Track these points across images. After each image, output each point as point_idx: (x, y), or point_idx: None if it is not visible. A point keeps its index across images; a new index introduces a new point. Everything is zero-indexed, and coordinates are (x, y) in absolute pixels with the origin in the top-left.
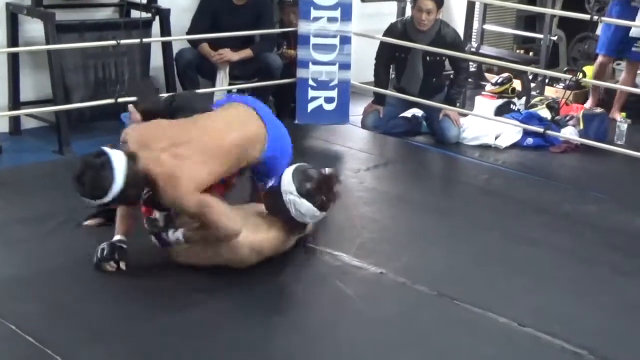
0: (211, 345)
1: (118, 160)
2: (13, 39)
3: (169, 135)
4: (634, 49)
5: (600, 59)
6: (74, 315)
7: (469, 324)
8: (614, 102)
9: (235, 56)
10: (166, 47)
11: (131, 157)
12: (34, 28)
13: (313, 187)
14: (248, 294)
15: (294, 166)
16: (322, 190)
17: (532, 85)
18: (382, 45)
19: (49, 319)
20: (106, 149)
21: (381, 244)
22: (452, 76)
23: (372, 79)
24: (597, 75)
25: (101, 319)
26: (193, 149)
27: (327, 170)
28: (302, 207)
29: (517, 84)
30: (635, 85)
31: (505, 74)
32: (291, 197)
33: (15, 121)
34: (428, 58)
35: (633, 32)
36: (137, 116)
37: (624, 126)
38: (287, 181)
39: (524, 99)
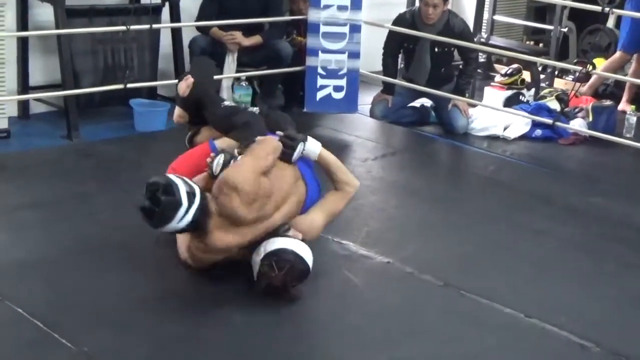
0: (217, 333)
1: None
2: (23, 23)
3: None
4: None
5: (618, 54)
6: (81, 300)
7: (475, 314)
8: (623, 94)
9: (245, 41)
10: (176, 33)
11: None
12: (44, 12)
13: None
14: (254, 282)
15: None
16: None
17: (542, 76)
18: (390, 35)
19: (56, 304)
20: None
21: (388, 233)
22: (461, 67)
23: (381, 68)
24: (609, 69)
25: (108, 303)
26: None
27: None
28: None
29: (526, 76)
30: None
31: (515, 65)
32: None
33: (24, 105)
34: (436, 49)
35: None
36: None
37: (633, 119)
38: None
39: (533, 90)
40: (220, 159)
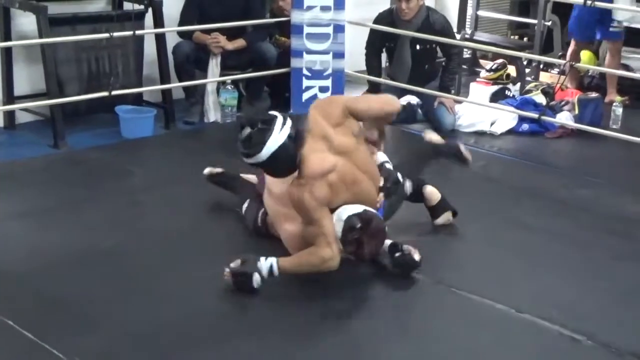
0: (211, 341)
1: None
2: (6, 33)
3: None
4: (611, 29)
5: (573, 45)
6: (71, 309)
7: (466, 311)
8: (607, 86)
9: (229, 45)
10: (159, 39)
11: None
12: (26, 22)
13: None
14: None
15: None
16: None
17: (527, 70)
18: (371, 34)
19: (46, 314)
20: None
21: None
22: (443, 63)
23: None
24: (572, 61)
25: (98, 312)
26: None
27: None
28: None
29: (511, 70)
30: (626, 67)
31: (500, 60)
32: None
33: (9, 115)
34: (417, 46)
35: (617, 15)
36: None
37: (619, 110)
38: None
39: (518, 84)
40: None
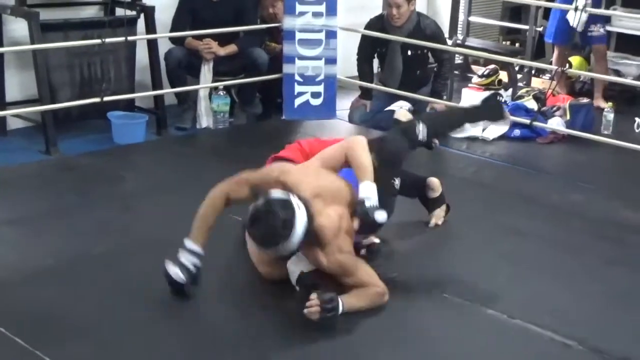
0: (206, 341)
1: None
2: None
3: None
4: (589, 34)
5: (556, 51)
6: (64, 316)
7: (458, 316)
8: (594, 91)
9: (221, 50)
10: (152, 44)
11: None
12: (18, 27)
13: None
14: (224, 291)
15: None
16: None
17: (519, 76)
18: (363, 40)
19: (39, 321)
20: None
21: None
22: (435, 69)
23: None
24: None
25: (91, 319)
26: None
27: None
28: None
29: (503, 76)
30: (617, 73)
31: (492, 66)
32: None
33: (1, 121)
34: (408, 52)
35: (570, 19)
36: None
37: (611, 116)
38: None
39: (510, 90)
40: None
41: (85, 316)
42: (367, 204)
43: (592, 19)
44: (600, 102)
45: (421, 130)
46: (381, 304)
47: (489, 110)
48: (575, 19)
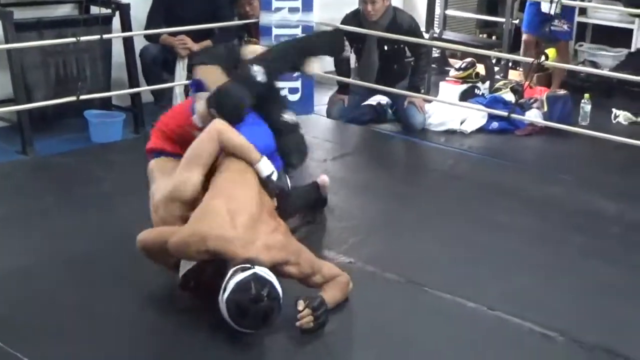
0: (182, 341)
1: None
2: None
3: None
4: (553, 27)
5: (524, 37)
6: (40, 317)
7: (439, 310)
8: (552, 80)
9: (196, 46)
10: (127, 42)
11: None
12: None
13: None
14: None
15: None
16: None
17: (496, 69)
18: None
19: (14, 320)
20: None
21: (349, 234)
22: (412, 63)
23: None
24: (525, 55)
25: (67, 319)
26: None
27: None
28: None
29: (480, 69)
30: (594, 64)
31: (469, 59)
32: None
33: None
34: (385, 47)
35: (544, 7)
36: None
37: (588, 107)
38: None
39: (487, 83)
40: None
41: (63, 317)
42: (274, 177)
43: (562, 14)
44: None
45: (257, 71)
46: (349, 292)
47: (328, 44)
48: (552, 8)
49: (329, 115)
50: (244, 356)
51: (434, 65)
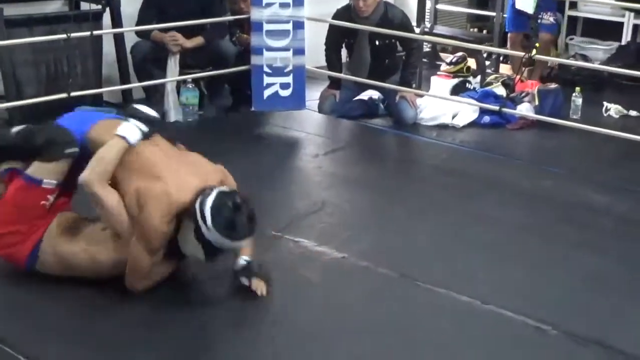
0: (173, 334)
1: None
2: None
3: None
4: (539, 21)
5: (509, 35)
6: (35, 314)
7: (432, 304)
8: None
9: (187, 43)
10: (118, 39)
11: None
12: None
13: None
14: (210, 285)
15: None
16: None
17: (487, 63)
18: (330, 30)
19: (10, 319)
20: None
21: (342, 228)
22: (404, 58)
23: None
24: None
25: (59, 314)
26: None
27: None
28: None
29: (472, 63)
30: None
31: (460, 53)
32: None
33: None
34: (377, 42)
35: (518, 4)
36: None
37: (579, 101)
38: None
39: (479, 77)
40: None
41: (55, 312)
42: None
43: (545, 7)
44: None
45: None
46: None
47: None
48: (526, 3)
49: (320, 110)
50: (252, 349)
51: (425, 60)
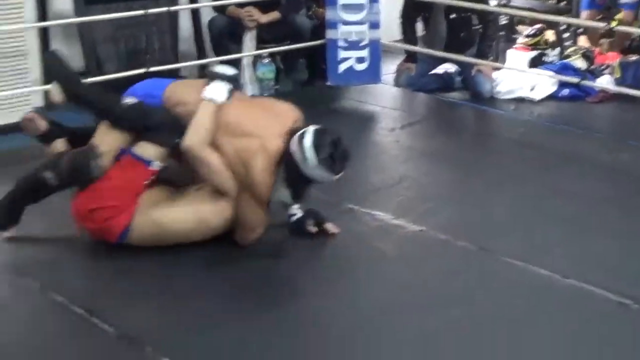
0: (248, 306)
1: None
2: (42, 13)
3: None
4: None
5: (584, 14)
6: (120, 284)
7: (510, 278)
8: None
9: (263, 18)
10: (195, 14)
11: None
12: (62, 1)
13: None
14: (286, 257)
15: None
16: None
17: (566, 35)
18: (406, 4)
19: (96, 289)
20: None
21: (420, 201)
22: (480, 30)
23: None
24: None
25: (146, 286)
26: None
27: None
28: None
29: (550, 35)
30: None
31: (538, 25)
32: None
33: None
34: (453, 15)
35: None
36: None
37: None
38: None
39: (557, 49)
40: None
41: (142, 284)
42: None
43: None
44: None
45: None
46: None
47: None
48: None
49: (396, 84)
50: (318, 322)
51: (502, 33)
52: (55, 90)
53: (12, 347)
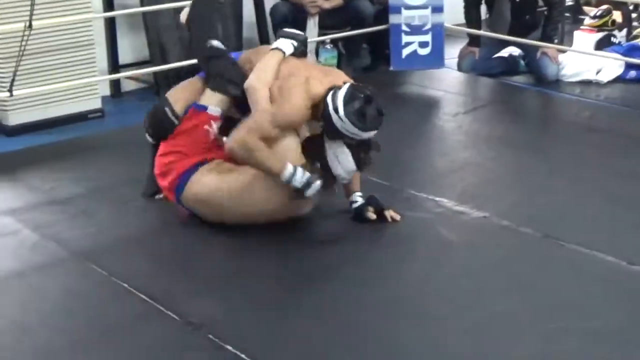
0: (314, 295)
1: None
2: (109, 3)
3: None
4: None
5: None
6: (184, 271)
7: (576, 265)
8: None
9: (326, 4)
10: (258, 1)
11: None
12: None
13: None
14: (349, 245)
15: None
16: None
17: (634, 15)
18: None
19: (160, 276)
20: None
21: (483, 188)
22: (545, 13)
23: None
24: None
25: (210, 273)
26: None
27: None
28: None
29: (617, 16)
30: None
31: (604, 6)
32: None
33: (115, 84)
34: None
35: None
36: None
37: None
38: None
39: (625, 30)
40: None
41: (206, 271)
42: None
43: None
44: None
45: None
46: None
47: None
48: None
49: (459, 69)
50: (380, 308)
51: (567, 14)
52: (184, 14)
53: (82, 332)
